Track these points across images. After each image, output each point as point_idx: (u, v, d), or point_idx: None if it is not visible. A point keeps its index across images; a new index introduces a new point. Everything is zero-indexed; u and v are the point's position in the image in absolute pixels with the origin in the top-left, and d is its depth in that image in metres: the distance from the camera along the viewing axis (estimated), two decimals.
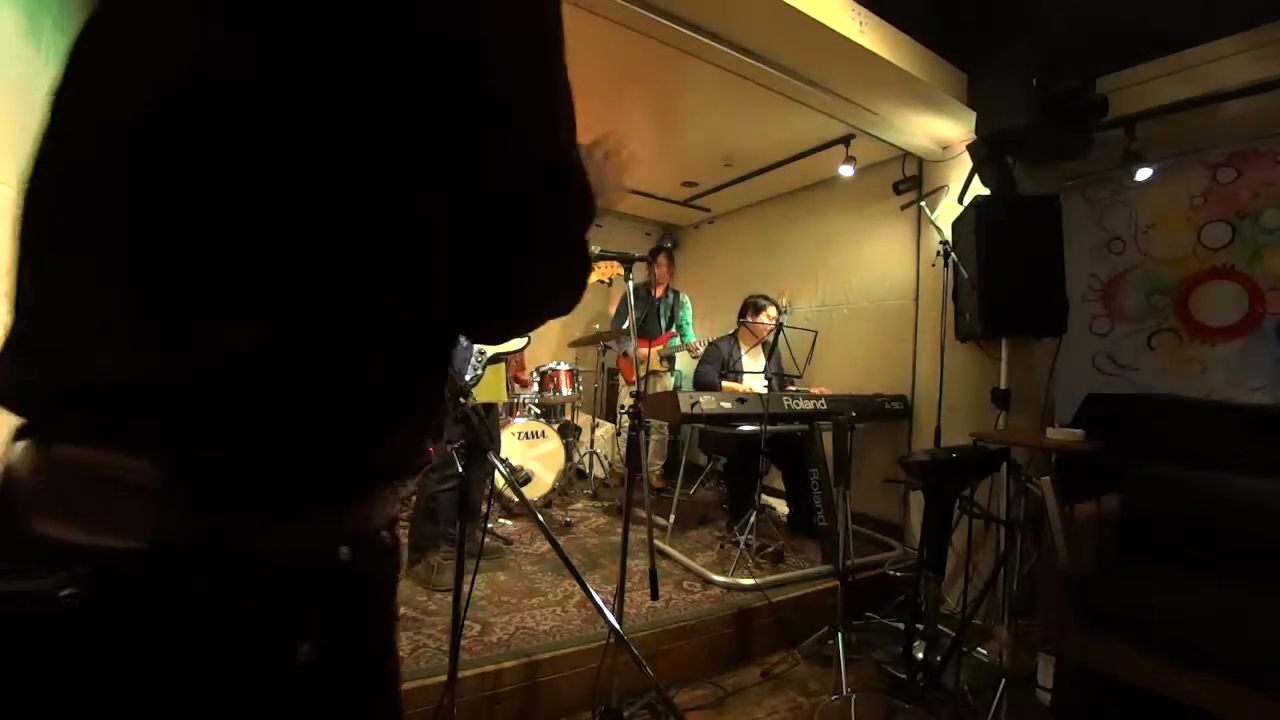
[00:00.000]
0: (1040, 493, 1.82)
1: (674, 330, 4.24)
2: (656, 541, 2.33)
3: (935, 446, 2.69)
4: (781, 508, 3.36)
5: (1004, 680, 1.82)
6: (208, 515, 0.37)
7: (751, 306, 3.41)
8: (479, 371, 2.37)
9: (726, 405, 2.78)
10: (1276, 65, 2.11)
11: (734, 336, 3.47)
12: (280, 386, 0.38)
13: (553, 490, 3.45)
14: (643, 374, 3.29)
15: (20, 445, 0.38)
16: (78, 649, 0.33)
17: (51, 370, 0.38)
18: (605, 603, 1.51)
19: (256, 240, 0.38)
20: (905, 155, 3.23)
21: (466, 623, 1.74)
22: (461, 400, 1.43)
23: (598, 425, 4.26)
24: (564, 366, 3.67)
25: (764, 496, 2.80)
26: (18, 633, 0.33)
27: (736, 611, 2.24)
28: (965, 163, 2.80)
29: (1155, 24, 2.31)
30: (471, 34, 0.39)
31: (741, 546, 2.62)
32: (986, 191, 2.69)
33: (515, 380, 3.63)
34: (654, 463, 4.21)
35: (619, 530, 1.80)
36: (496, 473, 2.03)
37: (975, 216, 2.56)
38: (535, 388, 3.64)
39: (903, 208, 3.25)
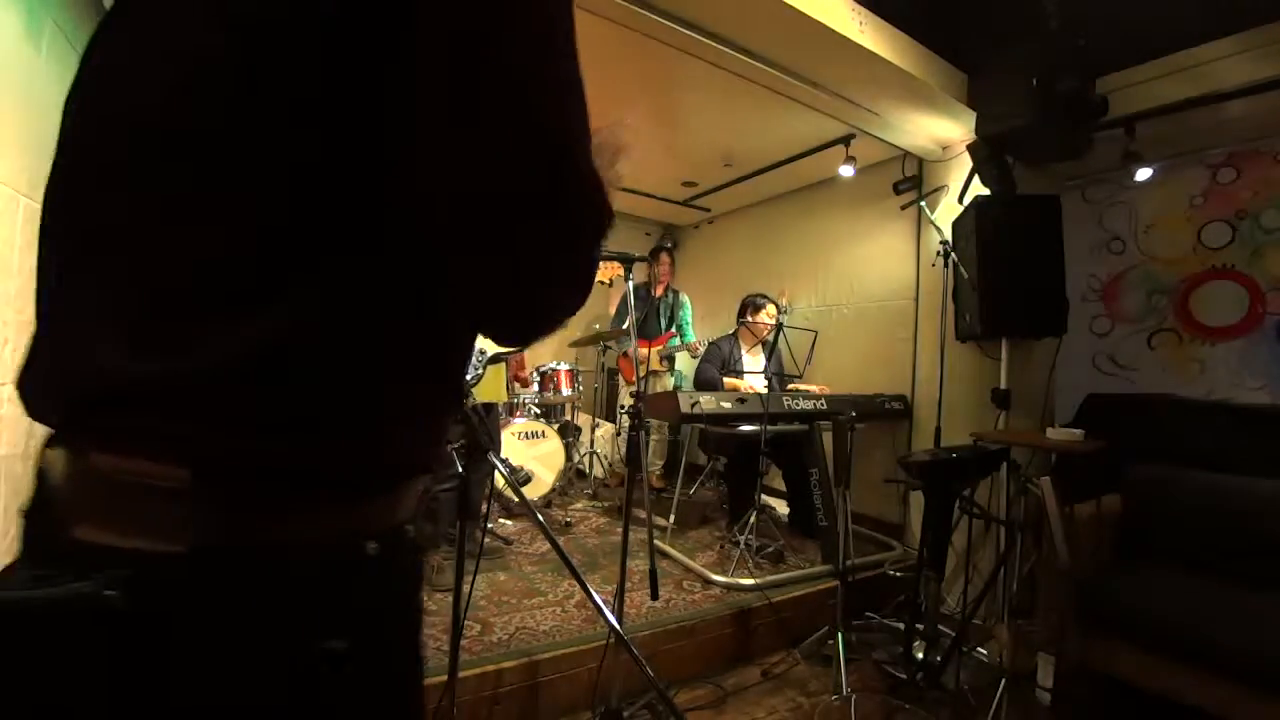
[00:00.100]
0: (1040, 493, 1.82)
1: (674, 330, 4.24)
2: (656, 541, 2.33)
3: (935, 446, 2.69)
4: (781, 508, 3.36)
5: (1004, 680, 1.81)
6: (241, 515, 0.38)
7: (750, 306, 3.41)
8: (479, 371, 2.37)
9: (726, 405, 2.78)
10: (1276, 65, 2.11)
11: (734, 336, 3.47)
12: (296, 384, 0.39)
13: (553, 490, 3.45)
14: (643, 374, 3.29)
15: (55, 453, 0.39)
16: (122, 651, 0.34)
17: (74, 376, 0.38)
18: (605, 603, 1.51)
19: (260, 238, 0.38)
20: (905, 155, 3.23)
21: (466, 622, 1.74)
22: (461, 400, 1.43)
23: (598, 425, 4.25)
24: (564, 366, 3.67)
25: (764, 496, 2.80)
26: (64, 635, 0.34)
27: (736, 611, 2.24)
28: (965, 163, 2.80)
29: (1155, 24, 2.31)
30: (490, 31, 0.39)
31: (741, 546, 2.62)
32: (986, 191, 2.69)
33: (515, 380, 3.63)
34: (654, 463, 4.21)
35: (619, 530, 1.80)
36: (496, 473, 2.03)
37: (975, 216, 2.56)
38: (535, 388, 3.64)
39: (903, 208, 3.25)
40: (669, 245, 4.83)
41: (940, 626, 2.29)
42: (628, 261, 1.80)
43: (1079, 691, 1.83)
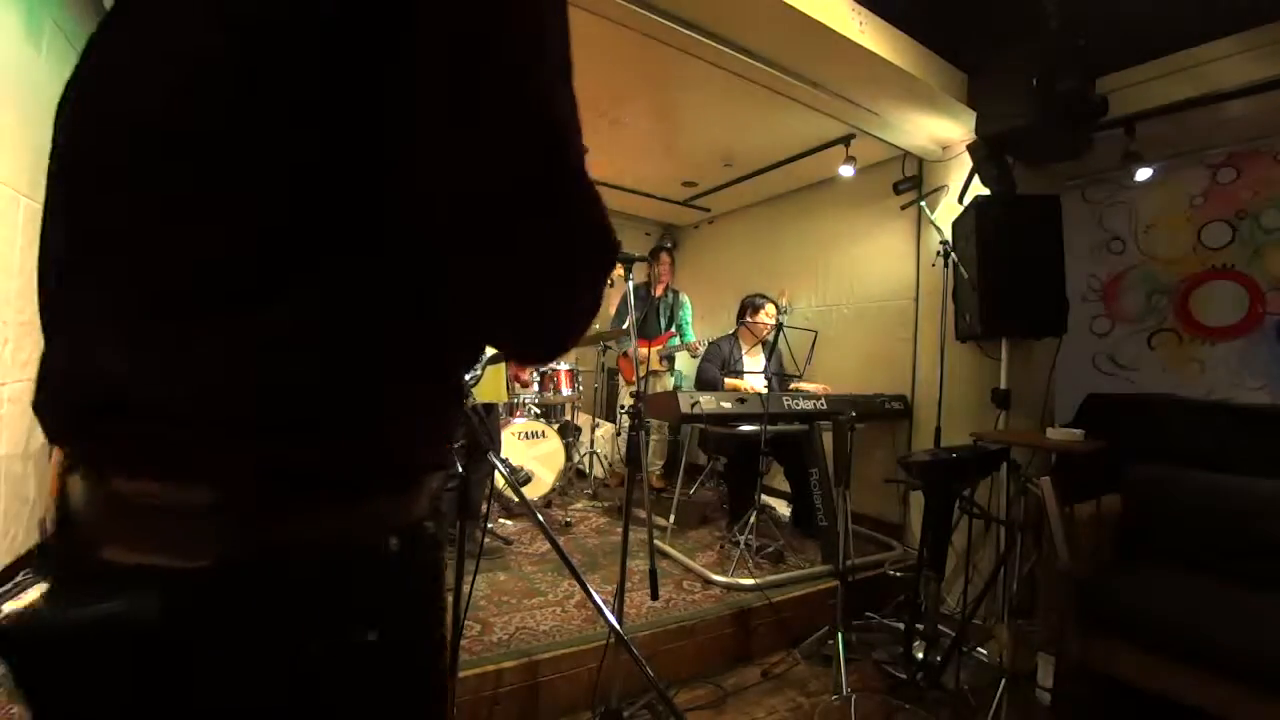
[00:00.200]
0: (1040, 493, 1.82)
1: (674, 330, 4.24)
2: (656, 541, 2.33)
3: (935, 446, 2.69)
4: (782, 508, 3.36)
5: (1004, 680, 1.82)
6: (260, 524, 0.38)
7: (750, 306, 3.41)
8: (479, 371, 2.37)
9: (727, 405, 2.78)
10: (1276, 65, 2.12)
11: (734, 336, 3.48)
12: (296, 384, 0.39)
13: (553, 490, 3.45)
14: (643, 374, 3.29)
15: (77, 476, 0.39)
16: (155, 667, 0.35)
17: (76, 379, 0.39)
18: (605, 603, 1.51)
19: (260, 238, 0.38)
20: (905, 155, 3.23)
21: (466, 622, 1.75)
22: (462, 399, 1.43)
23: (598, 425, 4.26)
24: (564, 366, 3.66)
25: (764, 496, 2.80)
26: (98, 655, 0.35)
27: (736, 611, 2.24)
28: (965, 163, 2.80)
29: (1155, 24, 2.31)
30: (490, 32, 0.39)
31: (741, 546, 2.62)
32: (986, 191, 2.69)
33: (515, 380, 3.62)
34: (654, 463, 4.21)
35: (619, 530, 1.80)
36: (496, 473, 2.03)
37: (975, 216, 2.56)
38: (535, 388, 3.64)
39: (903, 208, 3.25)
40: (669, 245, 4.83)
41: (940, 626, 2.29)
42: (628, 261, 1.81)
43: (1079, 691, 1.83)
